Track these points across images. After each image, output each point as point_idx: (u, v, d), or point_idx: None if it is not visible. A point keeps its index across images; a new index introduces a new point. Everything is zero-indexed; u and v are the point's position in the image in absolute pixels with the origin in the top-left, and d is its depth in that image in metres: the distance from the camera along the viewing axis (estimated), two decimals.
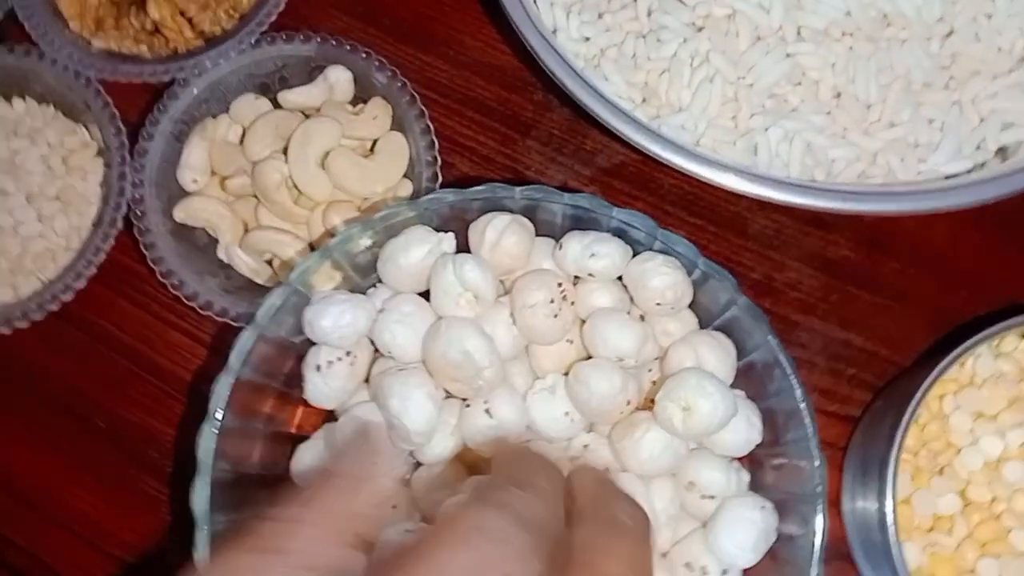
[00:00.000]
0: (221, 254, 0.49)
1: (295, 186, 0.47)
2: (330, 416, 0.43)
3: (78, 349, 0.50)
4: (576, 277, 0.42)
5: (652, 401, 0.39)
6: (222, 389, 0.38)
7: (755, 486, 0.40)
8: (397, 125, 0.49)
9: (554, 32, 0.47)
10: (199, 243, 0.49)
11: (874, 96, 0.46)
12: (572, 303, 0.41)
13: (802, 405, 0.36)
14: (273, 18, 0.50)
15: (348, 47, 0.49)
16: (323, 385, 0.40)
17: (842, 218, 0.50)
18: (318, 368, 0.40)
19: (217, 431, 0.38)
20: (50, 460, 0.49)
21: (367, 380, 0.42)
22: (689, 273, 0.40)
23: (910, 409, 0.40)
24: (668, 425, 0.37)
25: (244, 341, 0.39)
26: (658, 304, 0.40)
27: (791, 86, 0.46)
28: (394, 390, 0.38)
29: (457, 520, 0.26)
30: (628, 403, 0.39)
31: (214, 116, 0.50)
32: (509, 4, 0.44)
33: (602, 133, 0.52)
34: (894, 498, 0.40)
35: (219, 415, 0.38)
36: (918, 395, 0.40)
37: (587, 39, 0.47)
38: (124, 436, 0.49)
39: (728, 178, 0.41)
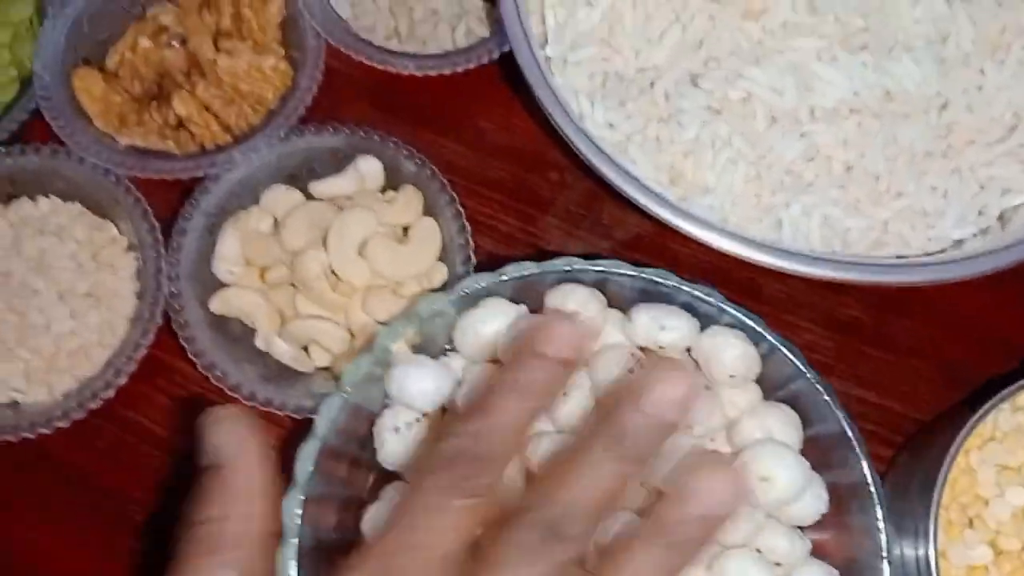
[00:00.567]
0: (259, 343, 0.49)
1: (334, 274, 0.48)
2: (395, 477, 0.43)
3: (115, 446, 0.50)
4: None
5: None
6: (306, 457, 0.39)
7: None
8: (427, 210, 0.51)
9: (581, 118, 0.49)
10: (235, 333, 0.50)
11: (882, 168, 0.48)
12: None
13: (868, 477, 0.38)
14: (301, 112, 0.52)
15: (376, 137, 0.51)
16: (399, 446, 0.41)
17: None
18: (396, 430, 0.41)
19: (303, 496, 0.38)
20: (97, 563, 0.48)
21: None
22: (755, 345, 0.41)
23: (944, 466, 0.42)
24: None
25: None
26: (731, 376, 0.41)
27: (806, 162, 0.48)
28: None
29: None
30: None
31: (245, 208, 0.51)
32: (542, 94, 0.46)
33: (617, 207, 0.54)
34: (936, 550, 0.42)
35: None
36: (952, 451, 0.42)
37: (611, 125, 0.49)
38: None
39: (763, 256, 0.43)
